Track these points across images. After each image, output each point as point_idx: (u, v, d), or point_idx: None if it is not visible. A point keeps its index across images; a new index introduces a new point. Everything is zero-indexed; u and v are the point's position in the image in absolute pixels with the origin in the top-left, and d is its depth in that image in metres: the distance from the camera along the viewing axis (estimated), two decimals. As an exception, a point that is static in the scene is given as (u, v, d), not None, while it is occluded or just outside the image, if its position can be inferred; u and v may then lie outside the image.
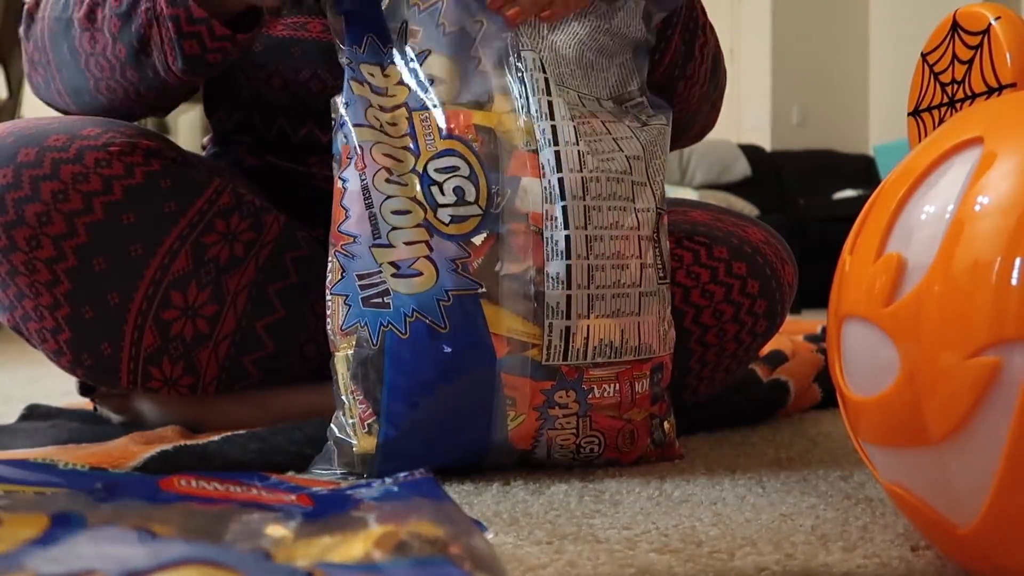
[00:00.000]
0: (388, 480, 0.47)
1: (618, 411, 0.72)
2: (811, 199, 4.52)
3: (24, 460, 0.46)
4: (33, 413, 0.95)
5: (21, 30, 0.89)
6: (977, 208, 0.42)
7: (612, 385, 0.71)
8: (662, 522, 0.58)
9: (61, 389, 1.35)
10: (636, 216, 0.72)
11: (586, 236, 0.69)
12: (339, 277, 0.70)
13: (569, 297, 0.68)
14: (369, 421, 0.68)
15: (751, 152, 4.74)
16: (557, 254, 0.68)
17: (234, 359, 0.84)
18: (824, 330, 1.68)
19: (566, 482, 0.70)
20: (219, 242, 0.81)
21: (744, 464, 0.77)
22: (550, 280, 0.68)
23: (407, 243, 0.68)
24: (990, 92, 0.50)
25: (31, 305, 0.79)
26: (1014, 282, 0.39)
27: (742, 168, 4.63)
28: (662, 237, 0.76)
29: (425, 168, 0.69)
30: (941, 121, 0.54)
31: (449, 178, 0.69)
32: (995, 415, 0.40)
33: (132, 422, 0.90)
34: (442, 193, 0.69)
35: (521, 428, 0.69)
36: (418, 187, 0.69)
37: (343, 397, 0.70)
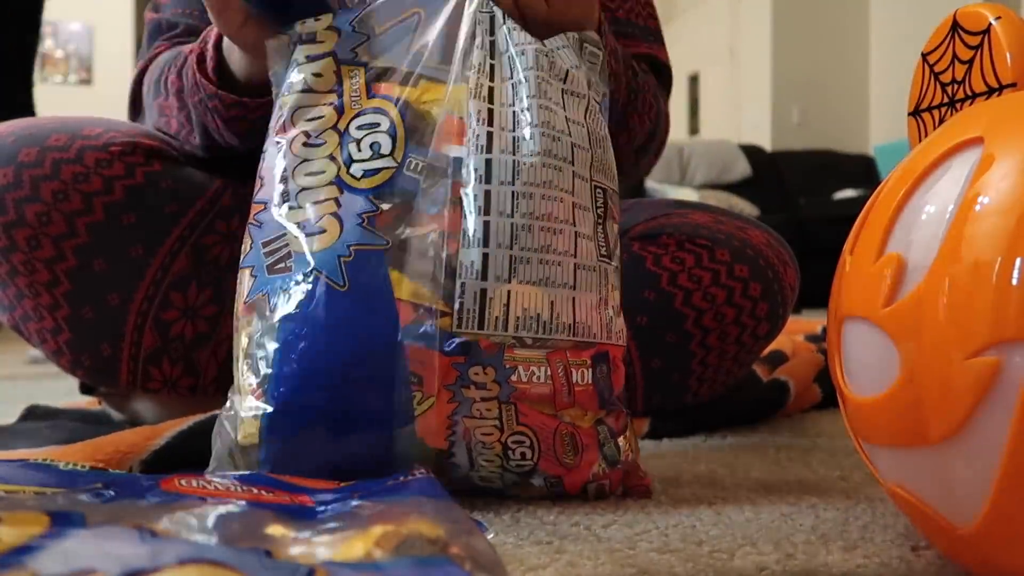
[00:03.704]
0: (388, 480, 0.47)
1: (553, 407, 0.60)
2: (811, 199, 4.53)
3: (24, 460, 0.46)
4: (33, 413, 0.95)
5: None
6: (977, 208, 0.42)
7: (542, 368, 0.59)
8: (662, 522, 0.58)
9: (62, 389, 1.36)
10: (572, 182, 0.63)
11: (512, 192, 0.60)
12: (248, 249, 0.62)
13: (486, 256, 0.58)
14: (258, 403, 0.59)
15: (751, 152, 4.75)
16: (475, 210, 0.59)
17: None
18: (824, 330, 1.68)
19: (566, 482, 0.70)
20: (220, 243, 0.81)
21: (744, 464, 0.77)
22: (466, 237, 0.59)
23: (315, 203, 0.61)
24: (990, 92, 0.51)
25: (31, 305, 0.79)
26: (1014, 282, 0.39)
27: (742, 168, 4.63)
28: (608, 216, 0.65)
29: (348, 127, 0.62)
30: (941, 121, 0.54)
31: (368, 134, 0.62)
32: (995, 415, 0.40)
33: (132, 422, 0.90)
34: (359, 149, 0.62)
35: (431, 416, 0.58)
36: (337, 144, 0.62)
37: (237, 379, 0.61)
